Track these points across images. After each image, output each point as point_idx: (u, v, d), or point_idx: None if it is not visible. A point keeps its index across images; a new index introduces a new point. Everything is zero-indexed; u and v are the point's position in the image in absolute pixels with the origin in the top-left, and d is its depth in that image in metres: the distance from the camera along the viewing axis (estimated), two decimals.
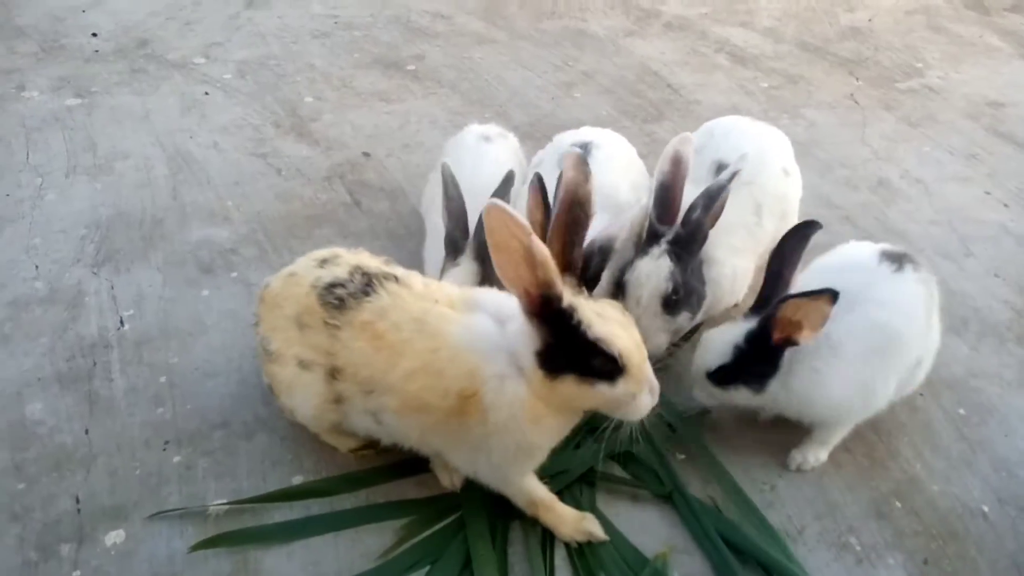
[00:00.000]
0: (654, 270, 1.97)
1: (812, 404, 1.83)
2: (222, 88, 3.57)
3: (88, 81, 3.57)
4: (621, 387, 1.46)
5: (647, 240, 2.03)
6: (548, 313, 1.43)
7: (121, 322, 2.29)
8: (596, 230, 1.97)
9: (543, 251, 1.38)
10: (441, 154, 2.65)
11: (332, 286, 1.68)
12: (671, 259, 1.97)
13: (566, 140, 2.38)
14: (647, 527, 1.78)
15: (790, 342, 1.74)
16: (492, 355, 1.52)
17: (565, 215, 1.50)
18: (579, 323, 1.43)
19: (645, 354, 1.49)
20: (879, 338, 1.79)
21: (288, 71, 3.73)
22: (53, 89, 3.50)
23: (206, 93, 3.52)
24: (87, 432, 1.97)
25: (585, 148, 2.28)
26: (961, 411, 2.09)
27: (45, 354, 2.18)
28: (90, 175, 2.93)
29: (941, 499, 1.87)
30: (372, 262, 1.75)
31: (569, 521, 1.74)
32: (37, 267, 2.49)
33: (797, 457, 1.93)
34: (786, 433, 2.00)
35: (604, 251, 1.86)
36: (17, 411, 2.02)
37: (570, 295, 1.45)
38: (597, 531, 1.73)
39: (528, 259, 1.38)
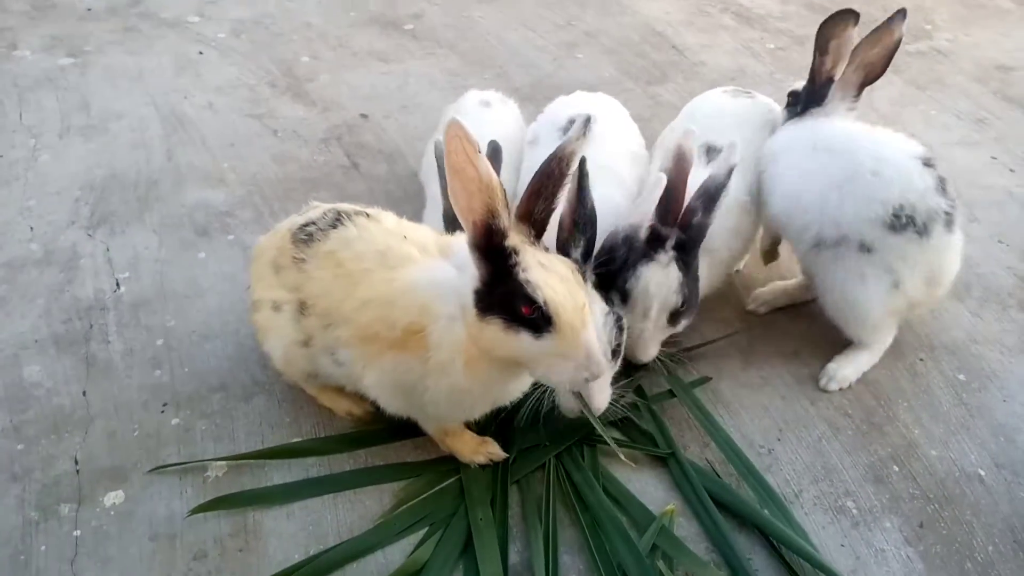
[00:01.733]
0: (664, 280, 1.84)
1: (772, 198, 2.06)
2: (217, 47, 3.50)
3: (81, 40, 3.50)
4: (547, 344, 1.38)
5: (650, 242, 1.86)
6: (490, 248, 1.39)
7: (117, 284, 2.27)
8: (603, 204, 1.91)
9: (489, 172, 1.34)
10: (440, 117, 2.61)
11: (304, 225, 1.72)
12: (679, 267, 1.85)
13: (560, 110, 2.32)
14: (646, 491, 1.79)
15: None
16: (446, 296, 1.49)
17: (544, 165, 1.47)
18: (516, 264, 1.38)
19: (586, 321, 1.40)
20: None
21: (284, 30, 3.66)
22: (45, 48, 3.43)
23: (200, 52, 3.46)
24: (85, 394, 1.97)
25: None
26: (961, 376, 2.08)
27: (41, 316, 2.17)
28: (84, 136, 2.89)
29: (939, 464, 1.87)
30: (349, 207, 1.75)
31: (470, 444, 1.80)
32: (32, 229, 2.47)
33: (830, 370, 2.04)
34: (786, 400, 2.01)
35: (629, 240, 1.83)
36: (15, 373, 2.01)
37: (518, 239, 1.41)
38: (497, 450, 1.80)
39: (479, 186, 1.35)
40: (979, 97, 3.34)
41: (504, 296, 1.39)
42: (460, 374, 1.51)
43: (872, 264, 1.91)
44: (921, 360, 2.12)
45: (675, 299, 1.87)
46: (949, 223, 1.90)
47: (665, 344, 1.98)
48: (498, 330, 1.40)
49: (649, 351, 1.92)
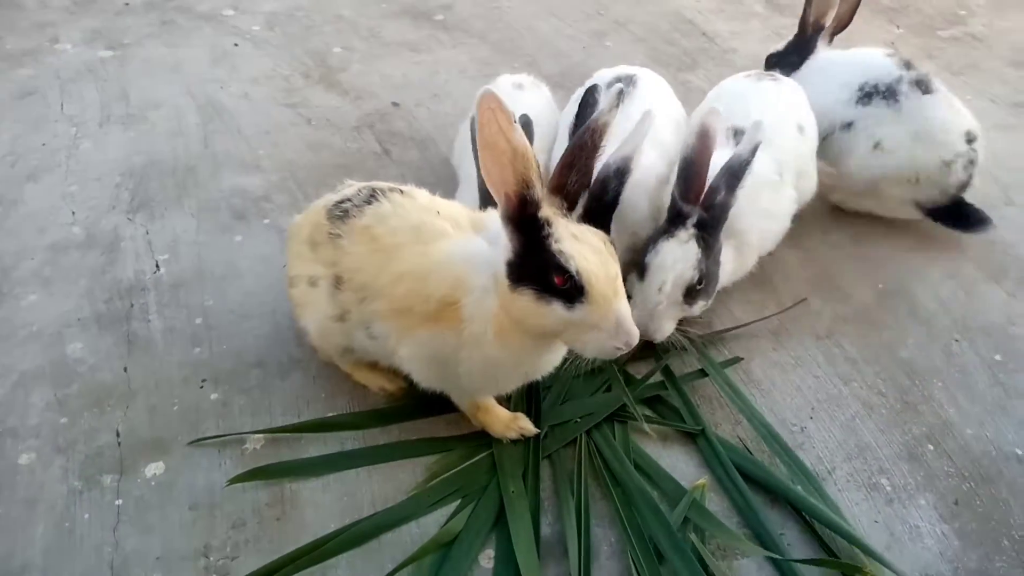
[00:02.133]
0: (681, 256, 1.86)
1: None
2: (251, 39, 3.56)
3: (120, 33, 3.58)
4: (578, 313, 1.39)
5: (672, 220, 1.91)
6: (523, 219, 1.40)
7: (157, 266, 2.33)
8: (641, 166, 1.91)
9: (523, 143, 1.35)
10: (471, 104, 2.63)
11: (340, 202, 1.75)
12: (699, 245, 1.87)
13: (606, 72, 2.35)
14: (676, 467, 1.79)
15: None
16: (479, 269, 1.51)
17: (579, 137, 1.48)
18: (548, 235, 1.39)
19: (619, 290, 1.41)
20: None
21: (316, 22, 3.71)
22: (86, 41, 3.52)
23: (236, 44, 3.52)
24: (126, 370, 2.02)
25: (629, 81, 2.24)
26: (997, 357, 2.06)
27: (84, 296, 2.23)
28: (123, 124, 2.96)
29: (974, 443, 1.85)
30: (384, 184, 1.78)
31: (503, 419, 1.81)
32: (74, 213, 2.54)
33: None
34: (819, 380, 2.00)
35: (621, 172, 1.78)
36: (58, 350, 2.07)
37: (551, 211, 1.42)
38: (528, 426, 1.81)
39: (512, 158, 1.35)
40: (1016, 81, 3.29)
41: (537, 267, 1.40)
42: (492, 345, 1.52)
43: (855, 137, 2.30)
44: (956, 341, 2.10)
45: (691, 275, 1.87)
46: (920, 84, 2.23)
47: (694, 326, 1.98)
48: (530, 300, 1.42)
49: (662, 328, 1.92)
